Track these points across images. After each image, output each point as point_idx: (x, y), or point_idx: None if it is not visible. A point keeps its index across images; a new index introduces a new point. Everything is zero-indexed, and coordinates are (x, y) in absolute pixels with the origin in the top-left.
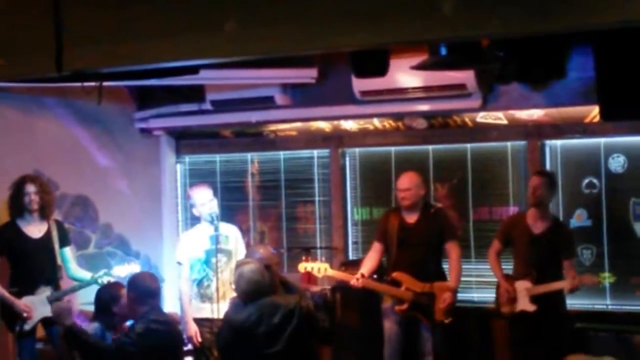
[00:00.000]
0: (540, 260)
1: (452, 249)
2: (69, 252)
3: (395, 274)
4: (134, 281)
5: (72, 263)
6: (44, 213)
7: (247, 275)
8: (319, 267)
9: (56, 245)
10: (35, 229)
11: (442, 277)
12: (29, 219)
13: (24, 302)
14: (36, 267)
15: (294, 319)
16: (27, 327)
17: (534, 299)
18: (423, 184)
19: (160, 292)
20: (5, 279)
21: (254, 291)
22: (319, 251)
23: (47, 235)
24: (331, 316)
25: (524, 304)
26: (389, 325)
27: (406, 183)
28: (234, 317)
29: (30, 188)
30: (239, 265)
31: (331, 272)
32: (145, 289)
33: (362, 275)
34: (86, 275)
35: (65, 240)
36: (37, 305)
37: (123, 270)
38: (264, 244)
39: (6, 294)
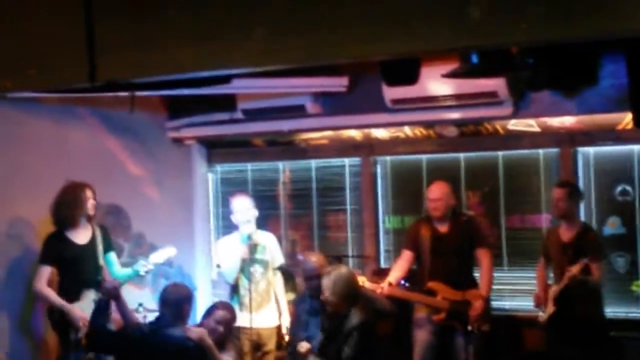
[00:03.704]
0: (566, 265)
1: (483, 256)
2: (113, 256)
3: (431, 284)
4: (169, 298)
5: (116, 266)
6: (91, 219)
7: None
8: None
9: (100, 249)
10: (81, 235)
11: (474, 284)
12: (76, 226)
13: (80, 313)
14: (83, 272)
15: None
16: (81, 334)
17: (554, 301)
18: (453, 194)
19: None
20: (53, 287)
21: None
22: (350, 260)
23: (93, 240)
24: None
25: (549, 308)
26: (423, 336)
27: (437, 193)
28: None
29: (90, 194)
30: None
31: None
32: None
33: (389, 284)
34: (124, 271)
35: (109, 245)
36: (86, 311)
37: (160, 257)
38: (317, 252)
39: (64, 302)
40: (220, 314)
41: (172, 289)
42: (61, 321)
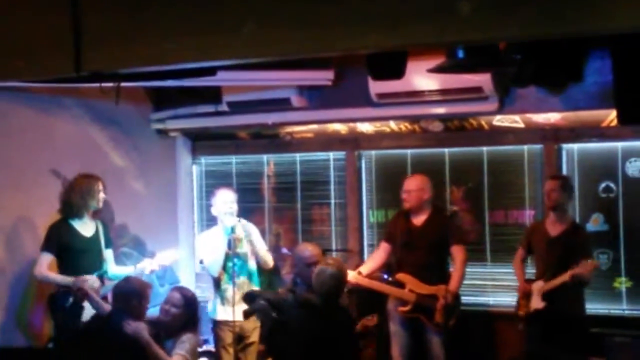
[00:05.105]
0: (554, 261)
1: (457, 253)
2: (110, 253)
3: (398, 275)
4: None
5: (111, 263)
6: (97, 212)
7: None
8: None
9: (103, 243)
10: (87, 228)
11: (446, 280)
12: (83, 218)
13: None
14: (88, 265)
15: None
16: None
17: (543, 296)
18: (429, 188)
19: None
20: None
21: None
22: (334, 254)
23: (97, 233)
24: None
25: (536, 303)
26: (394, 327)
27: (409, 185)
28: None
29: (101, 186)
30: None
31: None
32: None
33: (359, 273)
34: (126, 270)
35: (108, 241)
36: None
37: (166, 258)
38: (312, 243)
39: (68, 277)
40: (170, 295)
41: (122, 284)
42: (63, 306)
